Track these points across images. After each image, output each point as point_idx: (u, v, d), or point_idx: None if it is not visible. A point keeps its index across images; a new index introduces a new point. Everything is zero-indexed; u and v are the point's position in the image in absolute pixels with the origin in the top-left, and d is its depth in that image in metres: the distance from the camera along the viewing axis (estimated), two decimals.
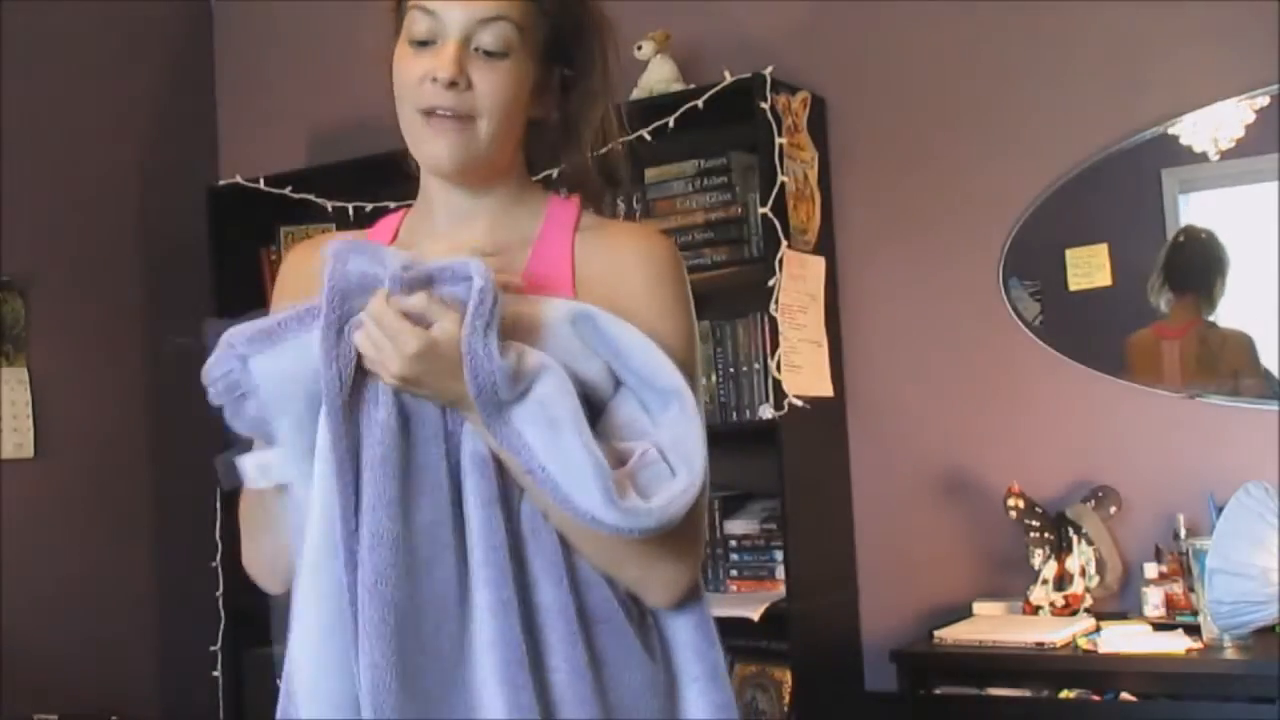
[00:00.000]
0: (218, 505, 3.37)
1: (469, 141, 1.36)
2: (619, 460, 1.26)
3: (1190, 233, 2.89)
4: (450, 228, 1.42)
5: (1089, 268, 2.93)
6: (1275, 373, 2.77)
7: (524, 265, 1.39)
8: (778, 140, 2.95)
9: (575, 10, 1.42)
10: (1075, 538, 2.81)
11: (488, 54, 1.35)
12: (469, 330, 1.22)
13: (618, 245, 1.41)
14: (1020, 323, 3.00)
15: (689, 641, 1.34)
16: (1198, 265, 2.90)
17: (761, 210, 2.93)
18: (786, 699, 3.01)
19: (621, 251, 1.40)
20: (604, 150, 1.49)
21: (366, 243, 1.30)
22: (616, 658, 1.28)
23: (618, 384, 1.32)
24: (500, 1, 1.35)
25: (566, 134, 1.48)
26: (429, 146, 1.36)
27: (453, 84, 1.33)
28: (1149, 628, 2.63)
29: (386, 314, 1.24)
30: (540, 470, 1.22)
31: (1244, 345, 2.83)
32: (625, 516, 1.20)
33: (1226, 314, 2.86)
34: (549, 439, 1.22)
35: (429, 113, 1.35)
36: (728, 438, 3.16)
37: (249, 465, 1.31)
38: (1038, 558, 2.84)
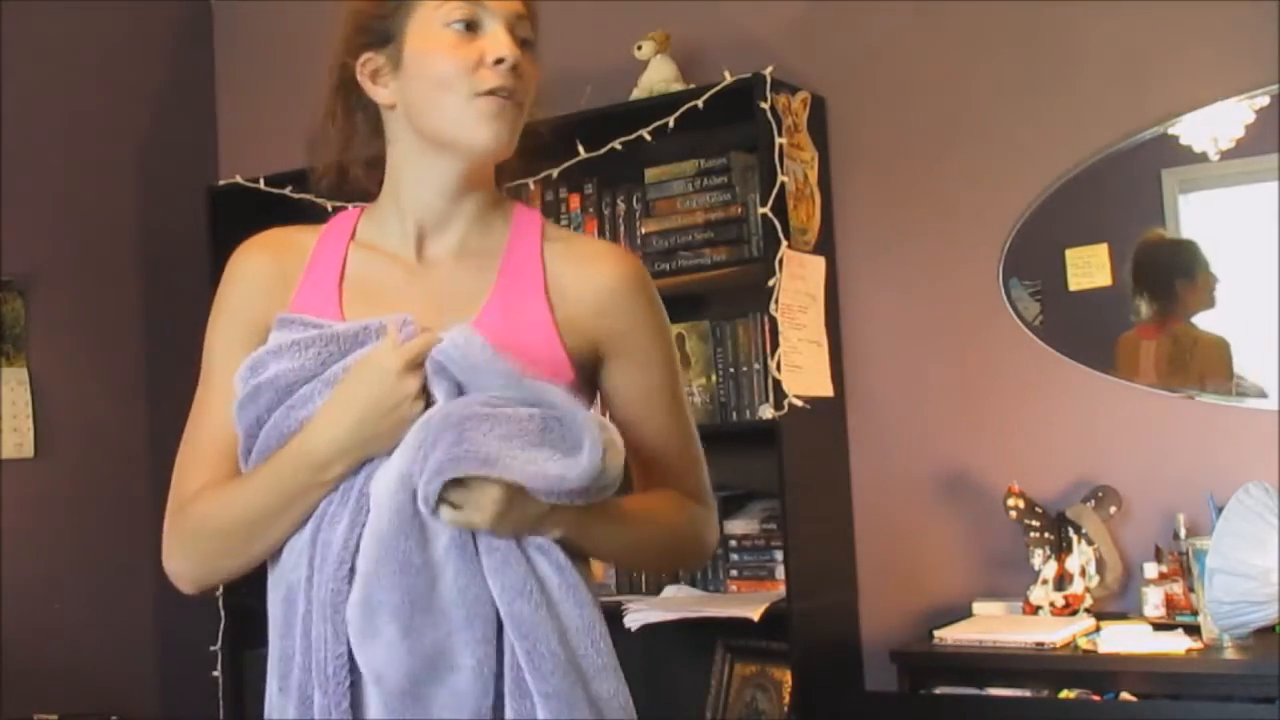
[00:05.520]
0: None
1: (519, 122, 1.40)
2: None
3: (1151, 237, 2.91)
4: (424, 231, 1.45)
5: (1089, 268, 2.93)
6: (1275, 373, 2.76)
7: (495, 273, 1.43)
8: (778, 140, 2.95)
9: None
10: (1075, 538, 2.81)
11: (525, 44, 1.40)
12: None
13: (593, 265, 1.45)
14: (1020, 323, 3.00)
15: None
16: (1161, 268, 2.92)
17: (761, 210, 2.93)
18: (786, 699, 3.01)
19: (598, 273, 1.44)
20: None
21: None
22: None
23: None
24: (527, 1, 1.42)
25: None
26: (489, 126, 1.37)
27: (515, 66, 1.36)
28: (1149, 628, 2.62)
29: None
30: None
31: (1218, 349, 2.85)
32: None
33: (1218, 316, 2.86)
34: None
35: (488, 94, 1.36)
36: (728, 438, 3.16)
37: None
38: (1038, 558, 2.84)
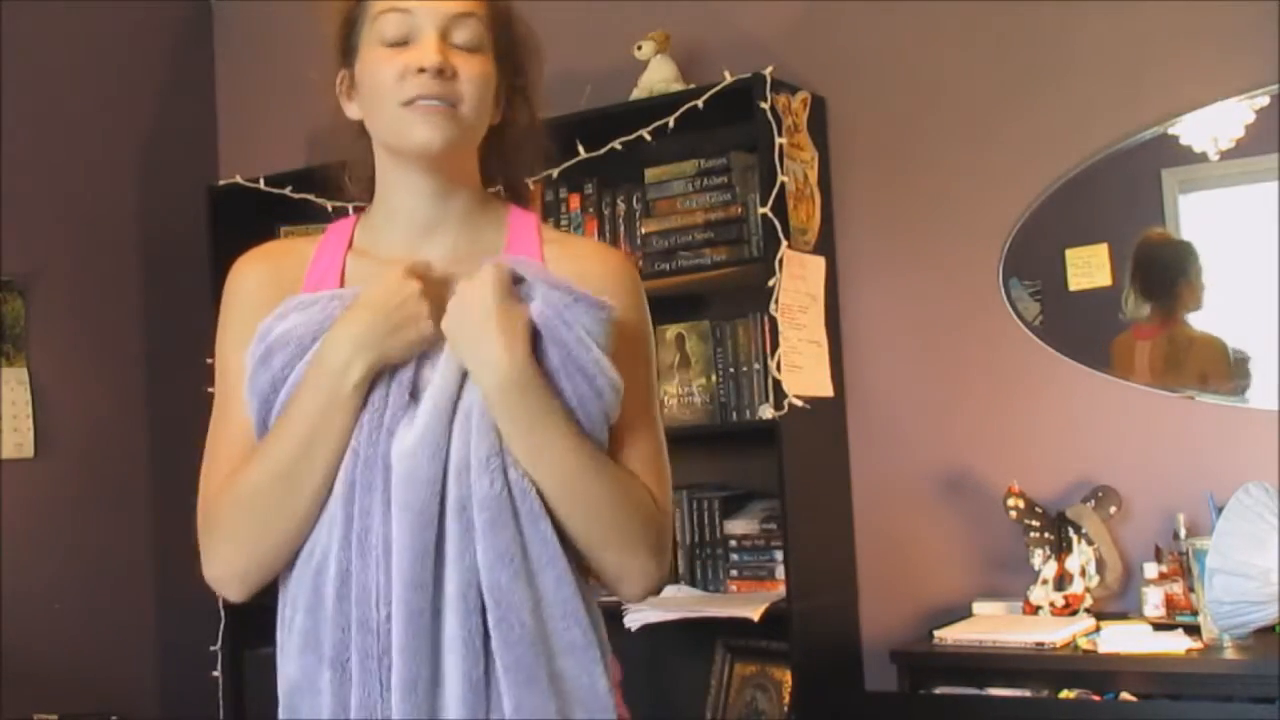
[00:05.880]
0: None
1: (454, 125, 1.40)
2: None
3: (1149, 237, 2.91)
4: (414, 236, 1.47)
5: (1089, 268, 2.94)
6: (1275, 373, 2.77)
7: None
8: (778, 140, 2.95)
9: (515, 27, 1.50)
10: (1075, 538, 2.81)
11: (463, 48, 1.41)
12: None
13: (590, 263, 1.48)
14: (1020, 323, 3.00)
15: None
16: (1157, 269, 2.92)
17: (761, 210, 2.93)
18: (786, 699, 3.01)
19: (594, 272, 1.47)
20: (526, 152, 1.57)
21: None
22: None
23: None
24: (470, 1, 1.43)
25: (508, 140, 1.54)
26: (419, 131, 1.40)
27: (440, 71, 1.38)
28: (1149, 628, 2.63)
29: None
30: None
31: (1213, 349, 2.85)
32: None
33: (1214, 316, 2.86)
34: None
35: (413, 102, 1.39)
36: (728, 438, 3.17)
37: None
38: (1038, 558, 2.84)
